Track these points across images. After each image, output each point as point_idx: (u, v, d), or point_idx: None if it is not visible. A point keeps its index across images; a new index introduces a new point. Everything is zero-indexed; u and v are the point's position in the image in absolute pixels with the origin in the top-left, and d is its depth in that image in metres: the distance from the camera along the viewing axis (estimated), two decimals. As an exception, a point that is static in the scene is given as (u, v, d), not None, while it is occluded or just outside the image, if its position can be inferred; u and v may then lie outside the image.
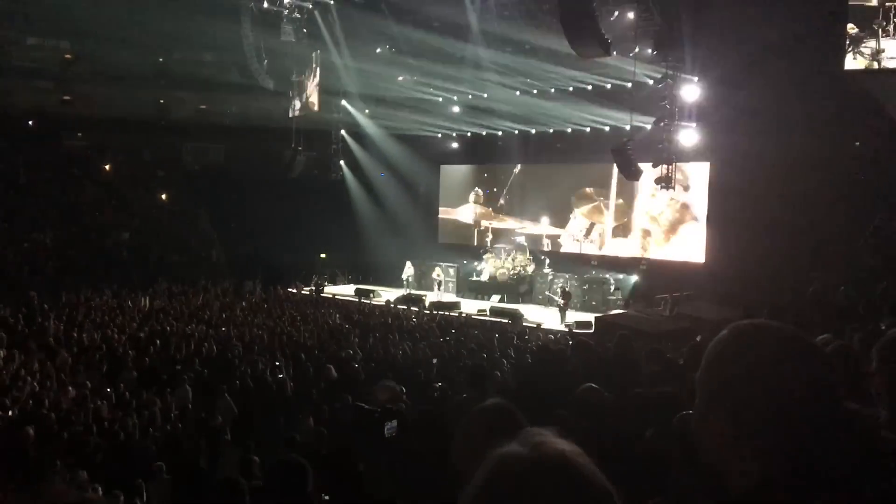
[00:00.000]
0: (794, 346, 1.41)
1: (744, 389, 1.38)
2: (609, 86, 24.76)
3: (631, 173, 21.47)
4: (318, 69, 27.16)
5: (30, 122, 32.36)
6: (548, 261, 27.32)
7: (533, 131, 28.14)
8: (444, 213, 32.48)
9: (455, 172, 32.45)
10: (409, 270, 28.80)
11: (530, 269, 27.35)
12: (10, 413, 9.88)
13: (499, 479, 1.13)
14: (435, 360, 13.61)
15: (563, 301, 23.26)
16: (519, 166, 30.00)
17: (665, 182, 21.26)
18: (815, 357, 1.41)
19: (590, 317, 21.35)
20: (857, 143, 20.73)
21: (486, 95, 28.23)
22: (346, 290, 28.37)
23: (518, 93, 27.32)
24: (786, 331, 1.44)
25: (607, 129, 25.33)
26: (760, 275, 19.78)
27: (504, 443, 1.19)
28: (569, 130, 26.98)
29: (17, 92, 32.98)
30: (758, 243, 20.56)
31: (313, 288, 28.07)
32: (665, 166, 21.17)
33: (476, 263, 28.83)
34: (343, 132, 31.01)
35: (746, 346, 1.43)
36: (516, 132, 28.68)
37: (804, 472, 1.31)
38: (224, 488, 4.07)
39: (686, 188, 24.47)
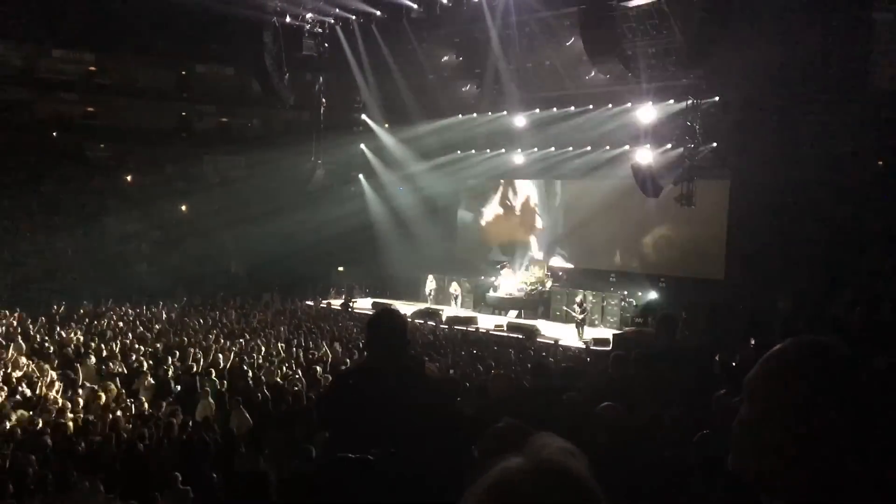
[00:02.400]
0: (858, 367, 1.42)
1: (804, 408, 1.38)
2: (630, 104, 24.72)
3: (651, 190, 21.42)
4: None
5: (54, 134, 32.75)
6: (565, 276, 27.22)
7: (553, 149, 28.08)
8: (464, 226, 32.50)
9: (475, 187, 32.45)
10: (431, 284, 28.78)
11: (548, 284, 27.24)
12: (28, 422, 9.93)
13: (499, 491, 1.13)
14: (452, 371, 13.57)
15: (580, 316, 23.18)
16: (537, 181, 29.99)
17: (685, 199, 21.20)
18: (878, 380, 1.41)
19: (608, 333, 21.23)
20: (881, 163, 20.54)
21: (505, 113, 28.27)
22: (363, 304, 28.37)
23: (538, 110, 27.36)
24: (849, 351, 1.45)
25: (627, 147, 25.24)
26: (779, 293, 19.63)
27: (510, 454, 1.20)
28: (588, 148, 26.90)
29: (41, 103, 33.44)
30: (777, 261, 20.41)
31: (344, 301, 27.92)
32: (685, 183, 21.12)
33: (493, 278, 28.76)
34: (362, 146, 31.13)
35: (812, 363, 1.42)
36: (536, 150, 28.64)
37: (855, 493, 1.31)
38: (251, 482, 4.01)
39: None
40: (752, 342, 15.99)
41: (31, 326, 18.36)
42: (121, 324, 19.73)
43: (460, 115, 29.12)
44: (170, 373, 13.86)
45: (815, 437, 1.36)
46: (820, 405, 1.37)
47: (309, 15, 25.49)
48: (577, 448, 1.23)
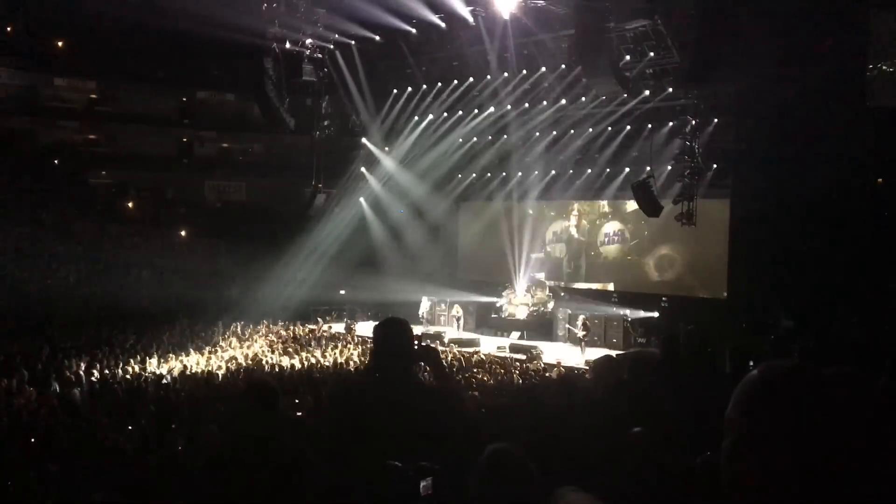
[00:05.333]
0: (830, 391, 1.35)
1: (774, 437, 1.32)
2: (630, 128, 24.89)
3: (652, 210, 21.46)
4: None
5: (56, 161, 32.87)
6: (567, 296, 27.20)
7: (553, 172, 28.22)
8: (465, 248, 32.48)
9: (475, 209, 32.50)
10: (425, 305, 28.65)
11: (550, 305, 27.23)
12: (26, 448, 9.90)
13: None
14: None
15: (581, 333, 23.18)
16: (537, 203, 30.04)
17: (686, 218, 21.23)
18: (853, 404, 1.34)
19: (612, 354, 21.11)
20: (880, 180, 20.59)
21: (506, 137, 28.45)
22: (365, 328, 28.28)
23: (538, 133, 27.49)
24: (819, 374, 1.38)
25: (627, 169, 25.36)
26: (782, 311, 19.61)
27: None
28: (589, 171, 27.06)
29: (43, 131, 33.60)
30: (778, 279, 20.40)
31: (346, 325, 27.86)
32: (685, 202, 21.16)
33: (495, 300, 28.72)
34: (363, 169, 31.23)
35: (778, 390, 1.36)
36: (536, 173, 28.77)
37: None
38: None
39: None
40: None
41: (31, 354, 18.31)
42: (123, 350, 19.70)
43: (460, 139, 29.24)
44: (173, 399, 13.82)
45: (779, 466, 1.30)
46: (782, 434, 1.31)
47: (308, 41, 25.65)
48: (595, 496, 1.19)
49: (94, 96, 35.03)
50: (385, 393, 3.49)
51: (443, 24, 23.91)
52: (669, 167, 23.16)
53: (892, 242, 19.01)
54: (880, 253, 19.03)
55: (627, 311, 25.13)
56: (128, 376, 16.33)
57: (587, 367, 20.16)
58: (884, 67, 17.59)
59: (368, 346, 22.37)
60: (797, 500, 1.30)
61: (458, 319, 28.13)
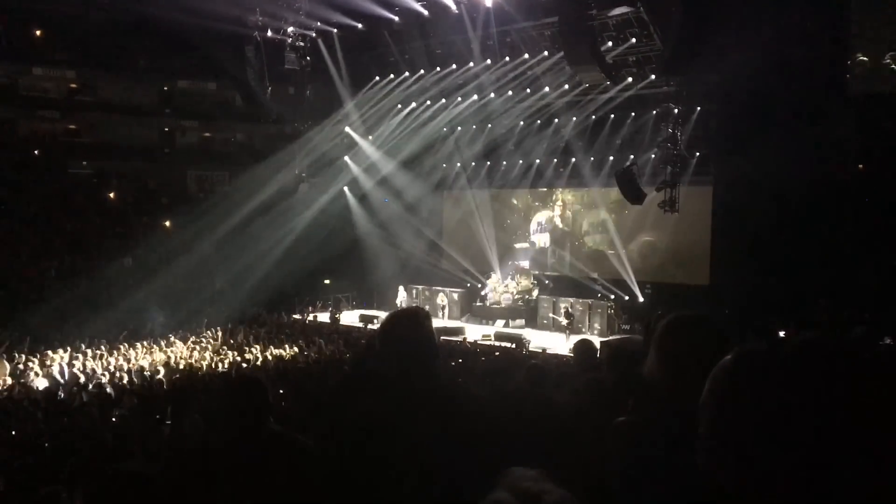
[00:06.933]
0: (806, 373, 1.32)
1: (749, 422, 1.30)
2: (613, 116, 24.94)
3: (635, 198, 21.52)
4: None
5: (35, 151, 32.53)
6: (551, 284, 27.26)
7: (538, 161, 28.25)
8: (449, 236, 32.47)
9: (458, 197, 32.50)
10: (401, 295, 28.65)
11: (535, 293, 27.30)
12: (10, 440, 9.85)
13: None
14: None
15: (566, 321, 23.27)
16: (521, 192, 30.08)
17: (669, 206, 21.31)
18: (831, 386, 1.30)
19: (595, 340, 21.19)
20: (861, 167, 20.74)
21: (490, 126, 28.43)
22: (350, 317, 28.29)
23: (522, 122, 27.51)
24: (797, 357, 1.35)
25: (612, 158, 25.43)
26: (764, 297, 19.74)
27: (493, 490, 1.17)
28: (573, 160, 27.12)
29: (23, 121, 33.25)
30: (761, 266, 20.53)
31: (331, 314, 27.84)
32: (668, 190, 21.23)
33: (480, 287, 28.77)
34: (346, 158, 31.12)
35: (752, 374, 1.34)
36: (521, 162, 28.79)
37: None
38: None
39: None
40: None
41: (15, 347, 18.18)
42: (105, 340, 19.60)
43: (444, 129, 29.19)
44: (155, 390, 13.76)
45: (754, 452, 1.28)
46: (756, 420, 1.29)
47: (290, 29, 25.50)
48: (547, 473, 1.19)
49: (73, 86, 34.67)
50: (406, 389, 3.26)
51: (425, 12, 23.83)
52: (653, 155, 23.22)
53: (874, 228, 19.18)
54: (861, 239, 19.18)
55: (612, 296, 25.26)
56: (111, 367, 16.26)
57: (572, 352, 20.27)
58: (865, 56, 17.69)
59: (353, 336, 22.39)
60: (773, 486, 1.29)
61: (443, 308, 28.17)
